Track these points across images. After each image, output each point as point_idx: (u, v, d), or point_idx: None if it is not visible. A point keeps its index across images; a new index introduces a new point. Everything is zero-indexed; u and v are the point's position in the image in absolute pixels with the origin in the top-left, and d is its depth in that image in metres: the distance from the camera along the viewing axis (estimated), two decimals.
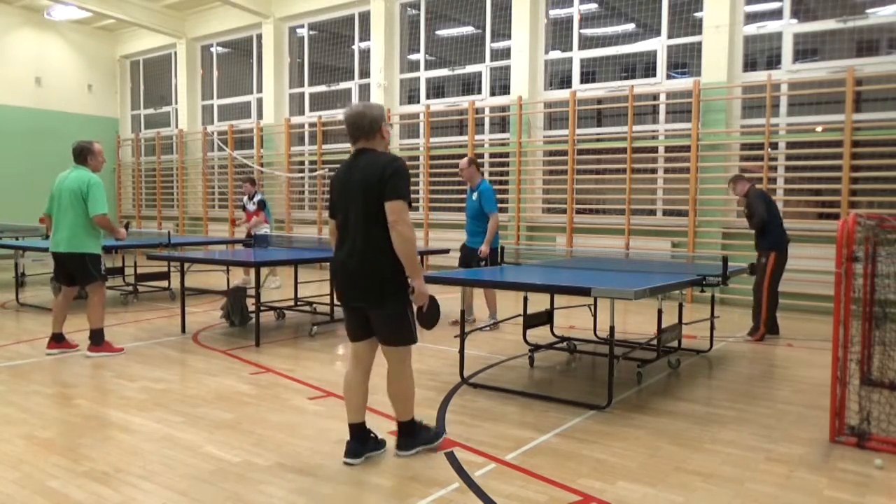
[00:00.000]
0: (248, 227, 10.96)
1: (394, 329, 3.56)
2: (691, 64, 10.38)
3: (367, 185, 3.45)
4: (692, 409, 4.76)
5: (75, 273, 6.11)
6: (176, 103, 17.34)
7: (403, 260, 3.43)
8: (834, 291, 4.05)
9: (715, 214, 9.86)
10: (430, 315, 3.61)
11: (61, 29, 17.02)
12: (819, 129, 9.38)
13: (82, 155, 6.15)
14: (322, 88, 14.70)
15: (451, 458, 3.76)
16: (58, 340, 6.23)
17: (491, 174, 12.43)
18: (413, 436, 3.78)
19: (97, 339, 6.13)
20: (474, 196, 7.63)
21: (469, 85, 12.66)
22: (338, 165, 13.64)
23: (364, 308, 3.57)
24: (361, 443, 3.71)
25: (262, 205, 10.93)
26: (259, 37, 15.36)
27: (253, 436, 4.11)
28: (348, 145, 13.39)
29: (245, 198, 11.21)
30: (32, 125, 16.37)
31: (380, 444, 3.81)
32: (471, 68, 12.57)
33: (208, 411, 4.58)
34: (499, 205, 12.14)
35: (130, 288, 9.74)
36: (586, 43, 11.30)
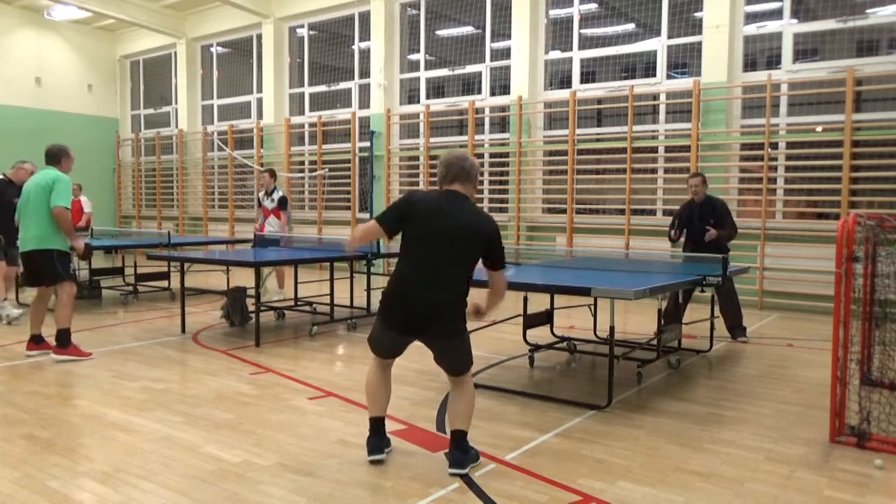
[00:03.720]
0: (262, 226, 9.64)
1: (462, 359, 3.71)
2: (691, 64, 10.38)
3: (471, 237, 3.59)
4: (692, 409, 4.76)
5: (42, 271, 5.93)
6: (176, 103, 17.33)
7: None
8: (834, 291, 4.05)
9: None
10: None
11: (61, 29, 17.02)
12: (819, 129, 9.38)
13: (57, 157, 6.04)
14: (322, 88, 14.70)
15: None
16: (36, 342, 6.15)
17: (491, 174, 12.45)
18: (467, 452, 3.68)
19: (62, 341, 5.93)
20: None
21: (469, 85, 12.65)
22: (337, 165, 13.40)
23: (422, 339, 3.67)
24: (381, 437, 3.80)
25: (283, 203, 9.61)
26: (259, 37, 15.36)
27: (253, 436, 4.11)
28: (348, 145, 13.24)
29: (262, 193, 9.77)
30: (32, 125, 16.35)
31: (388, 441, 3.88)
32: (471, 68, 12.56)
33: (208, 411, 4.58)
34: (499, 205, 12.27)
35: (130, 288, 9.74)
36: (586, 43, 11.30)
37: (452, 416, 3.72)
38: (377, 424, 3.79)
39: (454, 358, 3.70)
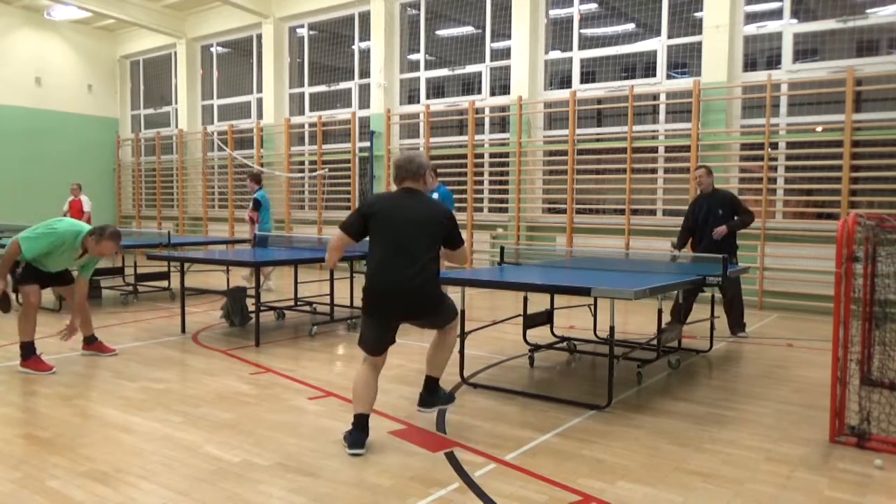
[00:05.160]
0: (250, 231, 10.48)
1: (445, 318, 4.18)
2: (691, 64, 10.38)
3: (432, 222, 4.05)
4: (692, 409, 4.76)
5: None
6: (176, 103, 17.34)
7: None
8: (834, 291, 4.05)
9: None
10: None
11: (61, 29, 17.02)
12: (819, 129, 9.38)
13: (90, 233, 5.56)
14: (322, 88, 14.70)
15: (451, 458, 3.76)
16: (89, 342, 6.16)
17: (491, 174, 12.45)
18: (434, 394, 4.30)
19: (23, 353, 5.61)
20: (435, 196, 8.10)
21: (469, 85, 12.66)
22: (337, 165, 13.49)
23: (409, 318, 4.10)
24: (365, 432, 3.95)
25: (255, 204, 10.54)
26: (259, 37, 15.36)
27: (253, 436, 4.11)
28: (348, 145, 13.35)
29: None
30: (32, 125, 16.36)
31: (368, 432, 4.05)
32: (471, 68, 12.56)
33: (208, 411, 4.58)
34: (499, 205, 12.27)
35: (130, 288, 9.74)
36: (586, 43, 11.30)
37: (431, 363, 4.27)
38: (363, 420, 3.95)
39: (438, 320, 4.18)
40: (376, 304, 3.98)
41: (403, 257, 3.95)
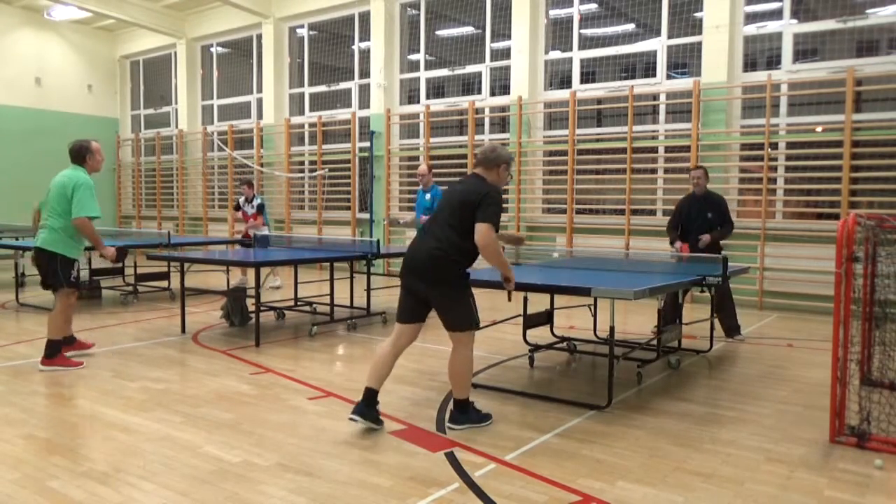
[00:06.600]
0: (245, 228, 10.78)
1: (454, 314, 4.19)
2: (691, 64, 10.38)
3: (465, 200, 4.14)
4: (692, 409, 4.76)
5: (46, 273, 5.70)
6: (176, 103, 17.33)
7: (492, 264, 4.35)
8: (834, 291, 4.05)
9: None
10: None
11: (61, 29, 17.02)
12: (819, 129, 9.38)
13: (80, 154, 5.81)
14: (322, 88, 14.70)
15: (451, 458, 3.76)
16: (69, 342, 6.08)
17: None
18: (465, 413, 4.29)
19: (51, 351, 5.65)
20: (427, 196, 8.48)
21: (469, 85, 12.65)
22: (337, 165, 13.58)
23: (424, 291, 4.18)
24: (369, 407, 4.16)
25: (261, 209, 10.79)
26: (259, 37, 15.36)
27: (253, 436, 4.11)
28: (348, 145, 13.43)
29: (242, 199, 10.97)
30: (32, 125, 16.36)
31: (380, 421, 4.20)
32: (471, 68, 12.56)
33: (208, 411, 4.58)
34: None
35: (130, 288, 9.74)
36: (586, 43, 11.30)
37: (451, 382, 4.32)
38: (368, 393, 4.17)
39: (446, 310, 4.19)
40: (401, 271, 4.31)
41: (431, 233, 4.24)
